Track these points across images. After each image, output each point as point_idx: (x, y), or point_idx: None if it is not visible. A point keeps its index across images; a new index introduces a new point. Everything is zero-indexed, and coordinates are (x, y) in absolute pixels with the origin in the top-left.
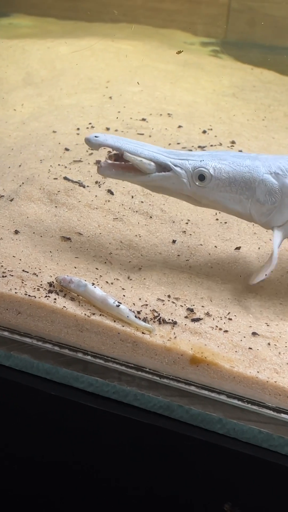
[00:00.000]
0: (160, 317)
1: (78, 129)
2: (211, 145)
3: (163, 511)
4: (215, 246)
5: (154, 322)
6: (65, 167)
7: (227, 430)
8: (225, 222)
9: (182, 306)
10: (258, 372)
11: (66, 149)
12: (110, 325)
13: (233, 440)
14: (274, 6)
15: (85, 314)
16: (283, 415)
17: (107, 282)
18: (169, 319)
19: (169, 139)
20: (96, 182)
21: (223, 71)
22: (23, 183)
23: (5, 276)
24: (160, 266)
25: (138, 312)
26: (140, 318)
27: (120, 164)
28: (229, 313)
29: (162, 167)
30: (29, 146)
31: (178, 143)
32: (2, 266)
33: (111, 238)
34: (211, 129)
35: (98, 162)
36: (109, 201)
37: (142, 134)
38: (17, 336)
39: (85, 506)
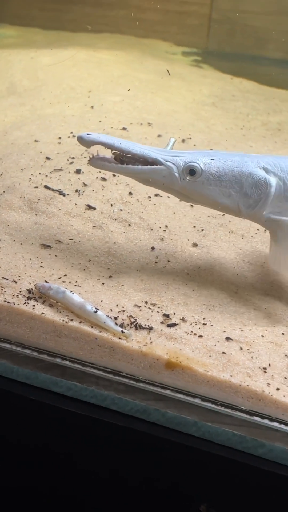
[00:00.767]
0: (137, 323)
1: (59, 138)
2: None
3: (143, 508)
4: (192, 253)
5: (130, 327)
6: (46, 175)
7: (202, 433)
8: (202, 230)
9: (158, 312)
10: (231, 376)
11: (47, 158)
12: (87, 331)
13: (208, 442)
14: (253, 16)
15: (63, 320)
16: (255, 418)
17: (85, 289)
18: (146, 325)
19: None
20: (76, 191)
21: (203, 80)
22: (4, 191)
23: None
24: (137, 273)
25: (115, 318)
26: (117, 324)
27: (112, 157)
28: (204, 318)
29: (154, 163)
30: (11, 155)
31: None
32: None
33: (90, 245)
34: (190, 138)
35: (90, 158)
36: (88, 209)
37: None
38: None
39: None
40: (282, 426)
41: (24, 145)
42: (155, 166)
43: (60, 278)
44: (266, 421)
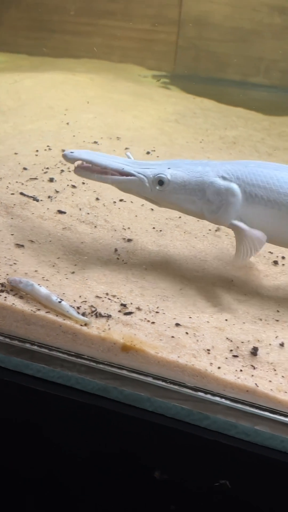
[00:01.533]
0: (97, 312)
1: (37, 151)
2: None
3: (103, 479)
4: (151, 251)
5: (91, 316)
6: (22, 184)
7: (155, 408)
8: (160, 230)
9: (116, 302)
10: (178, 357)
11: (25, 168)
12: (53, 319)
13: (161, 416)
14: (215, 43)
15: (31, 310)
16: (199, 393)
17: (52, 283)
18: (105, 313)
19: None
20: (49, 197)
21: (169, 100)
22: None
23: None
24: (101, 268)
25: (78, 308)
26: (79, 313)
27: (94, 168)
28: (158, 307)
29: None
30: None
31: None
32: None
33: (60, 244)
34: (154, 150)
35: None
36: (59, 213)
37: None
38: None
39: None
40: (223, 400)
41: (4, 157)
42: (129, 177)
43: (31, 273)
44: (209, 396)
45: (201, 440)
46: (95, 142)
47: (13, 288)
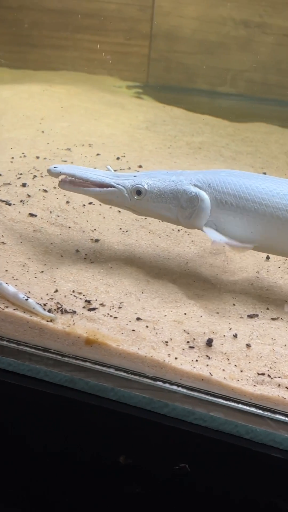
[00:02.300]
0: (63, 308)
1: (12, 158)
2: (121, 169)
3: (71, 465)
4: (117, 250)
5: (57, 312)
6: None
7: (119, 397)
8: (127, 231)
9: (82, 299)
10: (138, 349)
11: None
12: (20, 316)
13: (124, 404)
14: (185, 56)
15: (0, 308)
16: (158, 383)
17: (21, 281)
18: (70, 309)
19: (88, 164)
20: (21, 201)
21: (140, 109)
22: None
23: None
24: (69, 267)
25: (45, 305)
26: (45, 309)
27: (77, 181)
28: (121, 303)
29: (109, 187)
30: None
31: (95, 167)
32: None
33: (30, 246)
34: (124, 156)
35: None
36: (30, 216)
37: (66, 161)
38: None
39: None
40: (180, 388)
41: None
42: (110, 189)
43: (1, 273)
44: (167, 385)
45: (161, 427)
46: (68, 149)
47: None
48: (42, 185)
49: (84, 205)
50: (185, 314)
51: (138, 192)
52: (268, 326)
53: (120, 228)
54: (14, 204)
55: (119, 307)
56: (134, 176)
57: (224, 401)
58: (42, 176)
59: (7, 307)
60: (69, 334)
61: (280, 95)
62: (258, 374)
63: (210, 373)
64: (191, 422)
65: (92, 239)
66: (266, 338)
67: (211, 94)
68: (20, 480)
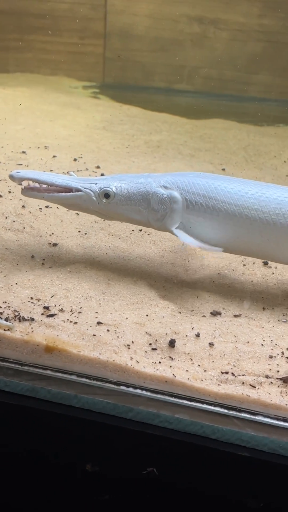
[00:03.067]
0: (20, 316)
1: None
2: (78, 170)
3: (38, 475)
4: (76, 254)
5: (15, 320)
6: None
7: (82, 404)
8: (85, 233)
9: (40, 306)
10: (100, 354)
11: None
12: None
13: (88, 411)
14: (140, 53)
15: None
16: (122, 387)
17: None
18: (28, 317)
19: (44, 167)
20: None
21: (97, 108)
22: None
23: None
24: (26, 273)
25: (1, 313)
26: (2, 318)
27: (41, 187)
28: (81, 307)
29: (75, 191)
30: None
31: (51, 170)
32: None
33: None
34: (81, 157)
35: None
36: None
37: (21, 164)
38: None
39: None
40: (144, 392)
41: None
42: (76, 193)
43: None
44: (131, 389)
45: (127, 431)
46: (23, 152)
47: None
48: None
49: (41, 208)
50: (147, 315)
51: (106, 195)
52: (230, 323)
53: (79, 231)
54: None
55: (79, 312)
56: (101, 179)
57: (189, 402)
58: None
59: None
60: (28, 342)
61: (236, 91)
62: (222, 373)
63: (173, 374)
64: (157, 425)
65: (50, 243)
66: (228, 336)
67: (168, 92)
68: None
